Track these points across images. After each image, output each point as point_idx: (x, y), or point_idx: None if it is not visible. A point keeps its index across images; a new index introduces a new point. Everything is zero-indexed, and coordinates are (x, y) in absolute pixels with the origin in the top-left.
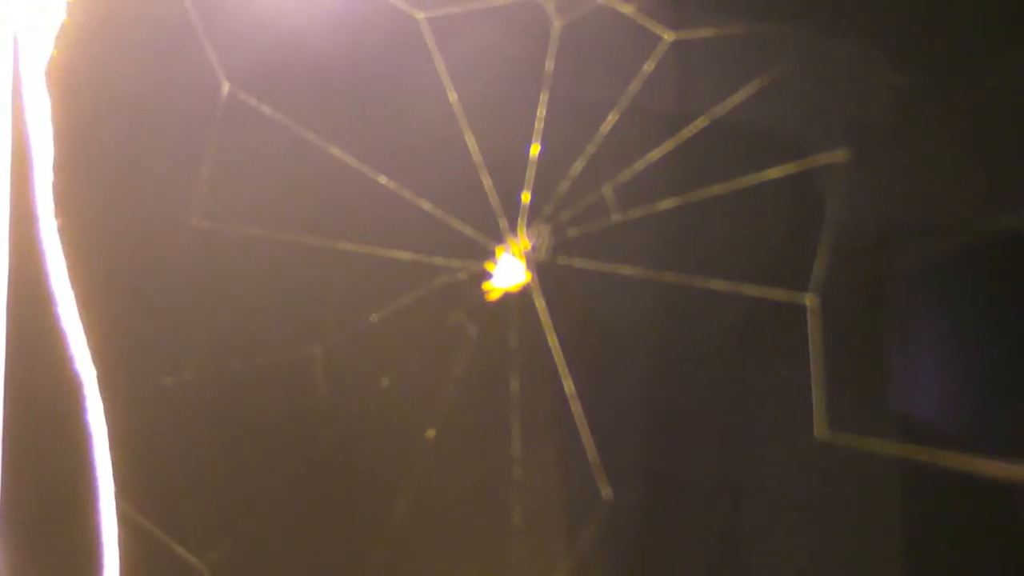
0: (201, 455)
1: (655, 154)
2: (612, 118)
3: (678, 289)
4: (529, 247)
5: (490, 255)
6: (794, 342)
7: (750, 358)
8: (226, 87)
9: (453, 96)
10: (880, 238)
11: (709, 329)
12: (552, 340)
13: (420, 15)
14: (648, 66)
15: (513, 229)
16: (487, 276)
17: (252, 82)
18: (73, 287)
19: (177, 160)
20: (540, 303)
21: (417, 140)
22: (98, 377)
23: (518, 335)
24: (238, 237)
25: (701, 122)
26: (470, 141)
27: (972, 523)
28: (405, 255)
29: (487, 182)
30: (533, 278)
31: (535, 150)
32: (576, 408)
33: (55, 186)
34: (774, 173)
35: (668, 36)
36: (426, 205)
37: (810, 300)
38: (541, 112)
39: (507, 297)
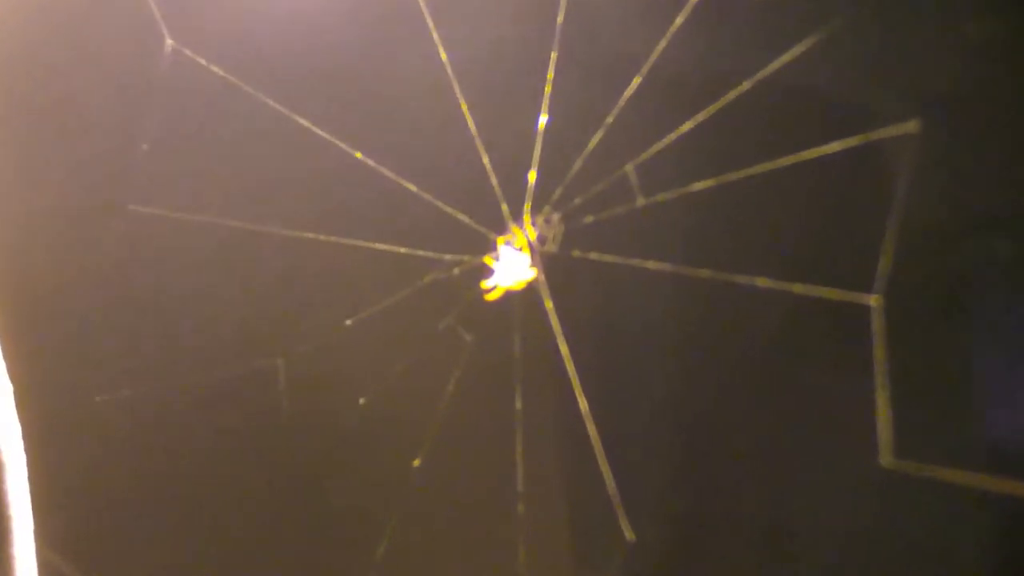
0: (140, 489)
1: (687, 126)
2: (635, 83)
3: (715, 288)
4: (536, 237)
5: (490, 247)
6: (854, 352)
7: (801, 371)
8: (169, 44)
9: (444, 55)
10: (959, 227)
11: (752, 337)
12: (563, 349)
13: None
14: (679, 20)
15: (517, 216)
16: (486, 272)
17: (201, 38)
18: None
19: (111, 132)
20: (549, 304)
21: (401, 107)
22: (14, 393)
23: (522, 343)
24: (184, 225)
25: (742, 87)
26: (465, 109)
27: None
28: (387, 247)
29: (486, 159)
30: (540, 274)
31: (543, 122)
32: (591, 430)
33: None
34: (829, 148)
35: None
36: (412, 186)
37: (875, 301)
38: (550, 76)
39: (509, 297)
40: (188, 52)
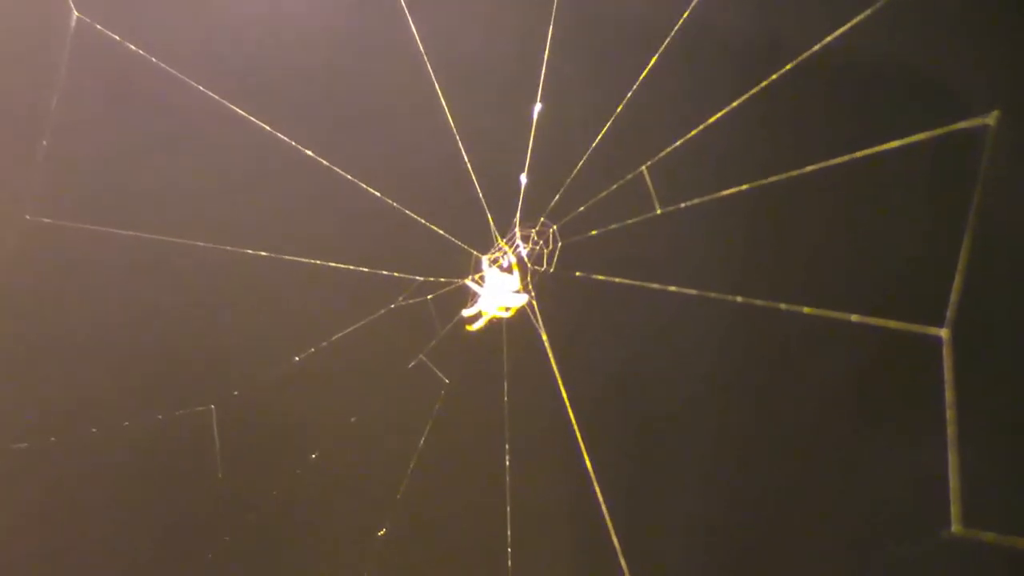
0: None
1: (716, 116)
2: (653, 62)
3: (753, 317)
4: (528, 253)
5: (472, 267)
6: (920, 396)
7: (857, 421)
8: (75, 17)
9: (411, 23)
10: None
11: (797, 381)
12: (564, 394)
13: None
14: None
15: (505, 229)
16: (467, 298)
17: (114, 11)
18: None
19: (4, 125)
20: (545, 337)
21: (365, 96)
22: None
23: (513, 388)
24: (95, 239)
25: (785, 68)
26: (441, 94)
27: None
28: (343, 265)
29: (466, 158)
30: (534, 300)
31: (537, 111)
32: (607, 516)
33: None
34: (890, 144)
35: None
36: (373, 190)
37: (945, 335)
38: (547, 55)
39: (496, 329)
40: (99, 28)
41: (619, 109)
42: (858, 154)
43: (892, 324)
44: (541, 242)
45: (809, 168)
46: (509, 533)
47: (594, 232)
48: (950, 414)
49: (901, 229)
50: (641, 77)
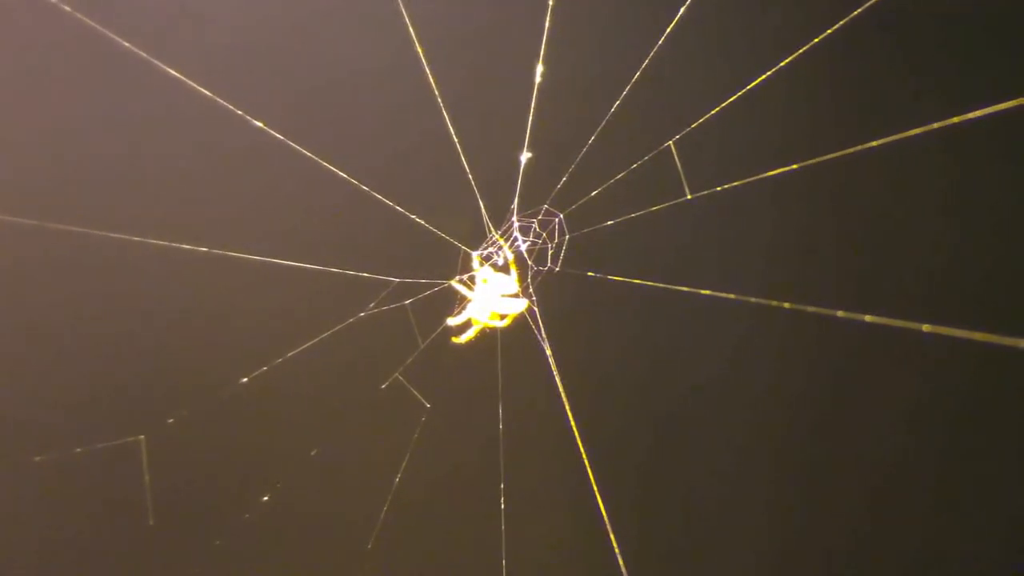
0: None
1: (761, 79)
2: (683, 12)
3: (804, 326)
4: (528, 248)
5: (460, 265)
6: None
7: (943, 453)
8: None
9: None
10: None
11: (863, 404)
12: (573, 424)
13: None
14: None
15: (500, 218)
16: (452, 303)
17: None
18: None
19: None
20: (549, 351)
21: (335, 62)
22: None
23: (511, 413)
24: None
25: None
26: (419, 46)
27: None
28: (303, 264)
29: (453, 130)
30: (534, 305)
31: (539, 72)
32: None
33: None
34: (977, 112)
35: None
36: (339, 170)
37: None
38: (551, 2)
39: (489, 340)
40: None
41: (640, 69)
42: (935, 125)
43: (977, 336)
44: (544, 235)
45: (876, 142)
46: None
47: (609, 223)
48: None
49: (992, 219)
50: (668, 29)
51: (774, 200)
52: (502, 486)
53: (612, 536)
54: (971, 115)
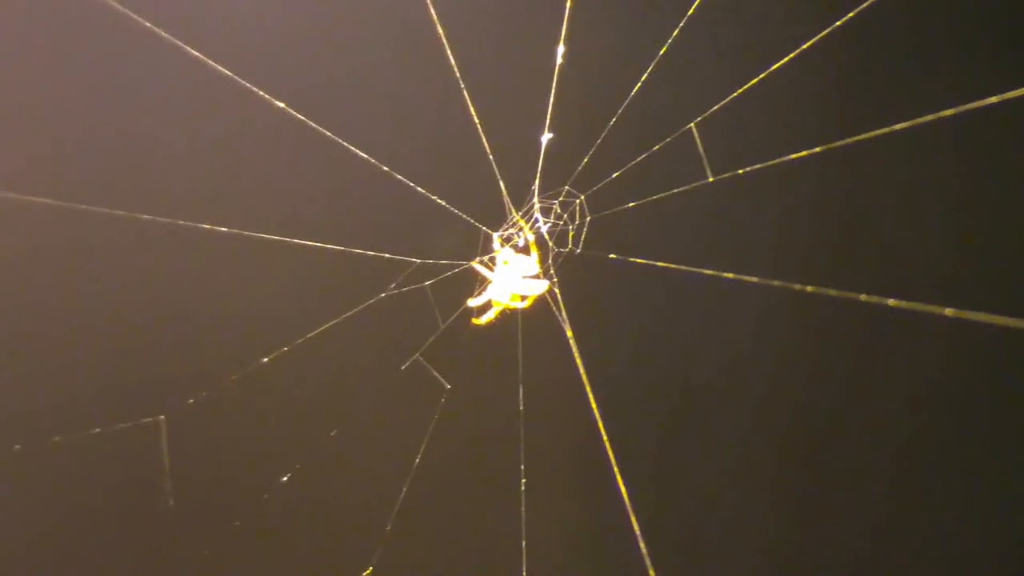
0: None
1: (786, 60)
2: (692, 13)
3: (826, 309)
4: (549, 229)
5: (480, 247)
6: None
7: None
8: None
9: None
10: None
11: (884, 386)
12: (595, 408)
13: None
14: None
15: (521, 199)
16: (472, 284)
17: None
18: None
19: None
20: (570, 333)
21: (358, 45)
22: None
23: (531, 396)
24: (24, 211)
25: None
26: (439, 25)
27: None
28: (322, 244)
29: (474, 110)
30: (556, 287)
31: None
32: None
33: None
34: (1008, 95)
35: None
36: (360, 150)
37: None
38: (571, 1)
39: (510, 321)
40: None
41: (662, 52)
42: (963, 108)
43: (999, 320)
44: (565, 216)
45: (900, 125)
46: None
47: (631, 204)
48: None
49: (1015, 202)
50: (690, 11)
51: (795, 183)
52: (522, 467)
53: (632, 515)
54: (991, 100)
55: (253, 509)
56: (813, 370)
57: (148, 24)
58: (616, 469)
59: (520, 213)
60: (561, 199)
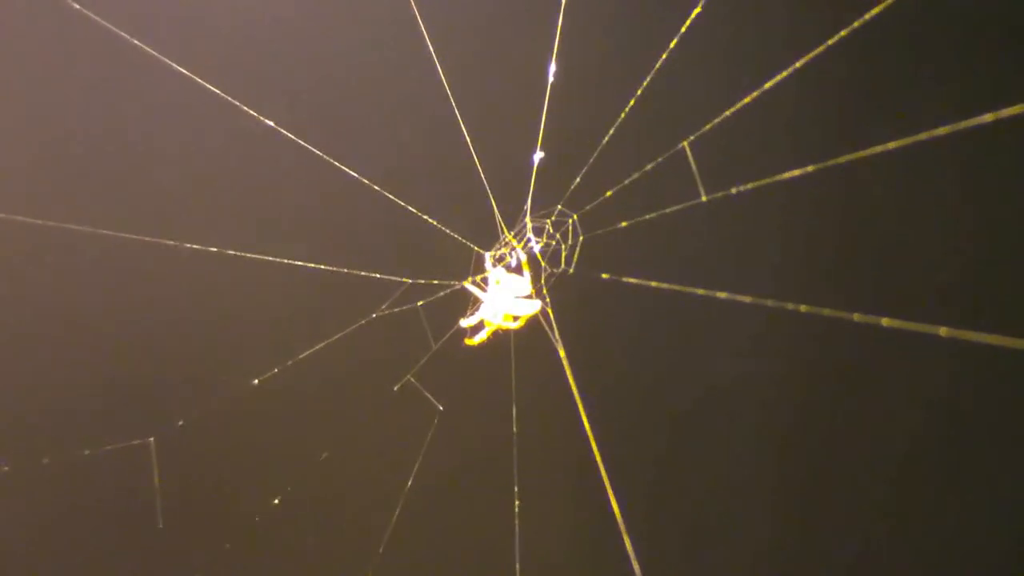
0: None
1: (778, 79)
2: (698, 10)
3: (820, 330)
4: (542, 249)
5: (472, 266)
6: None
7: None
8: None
9: None
10: None
11: (879, 408)
12: (588, 427)
13: None
14: None
15: (513, 218)
16: (465, 304)
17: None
18: None
19: None
20: (563, 353)
21: (347, 61)
22: None
23: (524, 416)
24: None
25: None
26: (431, 44)
27: None
28: (315, 265)
29: (465, 129)
30: (549, 307)
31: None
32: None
33: None
34: (1001, 112)
35: None
36: (351, 170)
37: None
38: (562, 19)
39: (502, 341)
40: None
41: (654, 69)
42: (961, 124)
43: (994, 340)
44: (558, 236)
45: (893, 144)
46: None
47: (624, 224)
48: None
49: (1010, 220)
50: (683, 29)
51: (789, 202)
52: (516, 489)
53: (626, 537)
54: (986, 117)
55: (245, 531)
56: (807, 391)
57: (130, 38)
58: (610, 490)
59: (512, 232)
60: (553, 218)
